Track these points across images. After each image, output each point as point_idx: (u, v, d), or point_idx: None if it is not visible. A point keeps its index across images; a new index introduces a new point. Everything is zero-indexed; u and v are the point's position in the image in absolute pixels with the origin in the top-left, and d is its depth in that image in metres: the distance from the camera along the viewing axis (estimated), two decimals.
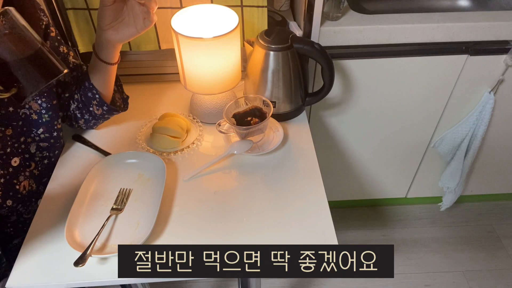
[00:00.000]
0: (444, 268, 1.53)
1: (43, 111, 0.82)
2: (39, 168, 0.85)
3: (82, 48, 1.03)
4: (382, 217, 1.72)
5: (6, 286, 0.67)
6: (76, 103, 0.88)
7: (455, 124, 1.33)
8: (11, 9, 0.56)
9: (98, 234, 0.72)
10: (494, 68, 1.18)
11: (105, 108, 0.87)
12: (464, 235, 1.64)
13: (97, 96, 0.84)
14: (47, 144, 0.85)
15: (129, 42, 1.03)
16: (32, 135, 0.82)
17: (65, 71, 0.61)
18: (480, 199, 1.75)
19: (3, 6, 0.62)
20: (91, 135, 0.96)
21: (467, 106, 1.29)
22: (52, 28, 0.82)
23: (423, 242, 1.62)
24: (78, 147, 0.93)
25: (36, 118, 0.81)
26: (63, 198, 0.81)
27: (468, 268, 1.53)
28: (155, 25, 1.00)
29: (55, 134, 0.85)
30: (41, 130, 0.83)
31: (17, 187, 0.79)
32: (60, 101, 0.87)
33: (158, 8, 0.97)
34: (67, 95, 0.88)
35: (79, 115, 0.90)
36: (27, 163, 0.82)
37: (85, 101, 0.86)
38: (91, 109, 0.87)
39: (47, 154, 0.86)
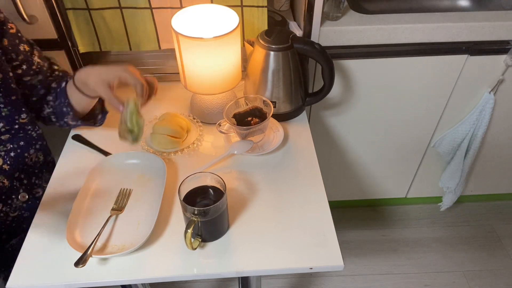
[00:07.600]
0: (444, 268, 1.53)
1: (1, 105, 0.78)
2: (8, 162, 0.82)
3: (82, 48, 1.03)
4: (382, 217, 1.72)
5: (6, 286, 0.67)
6: (51, 108, 0.87)
7: (455, 124, 1.33)
8: None
9: (98, 234, 0.72)
10: (494, 68, 1.18)
11: (79, 122, 0.87)
12: (464, 235, 1.64)
13: (71, 113, 0.84)
14: (8, 135, 0.82)
15: (129, 42, 1.03)
16: None
17: None
18: (480, 199, 1.75)
19: None
20: (91, 135, 0.95)
21: (467, 106, 1.29)
22: (12, 25, 0.79)
23: (423, 242, 1.62)
24: (78, 147, 0.93)
25: None
26: (64, 198, 0.81)
27: (468, 268, 1.53)
28: (155, 25, 1.00)
29: (16, 127, 0.82)
30: (0, 124, 0.79)
31: None
32: (26, 101, 0.85)
33: (158, 8, 0.98)
34: (34, 99, 0.86)
35: (54, 119, 0.89)
36: None
37: (59, 114, 0.86)
38: (65, 119, 0.87)
39: (11, 146, 0.83)
